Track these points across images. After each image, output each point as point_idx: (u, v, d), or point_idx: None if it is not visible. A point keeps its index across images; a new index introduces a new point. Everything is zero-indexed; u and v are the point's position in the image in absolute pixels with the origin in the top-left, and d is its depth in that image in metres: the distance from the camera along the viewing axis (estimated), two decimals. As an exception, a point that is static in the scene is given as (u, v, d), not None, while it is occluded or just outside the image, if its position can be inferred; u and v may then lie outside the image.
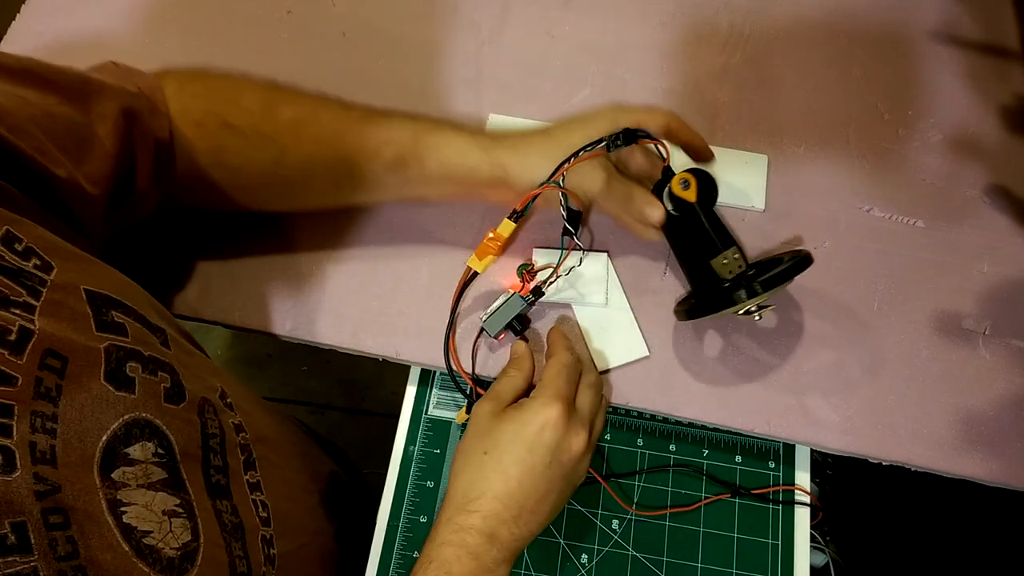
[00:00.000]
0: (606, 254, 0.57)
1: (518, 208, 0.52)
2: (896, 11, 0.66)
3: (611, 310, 0.56)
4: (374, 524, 0.56)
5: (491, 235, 0.53)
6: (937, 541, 1.11)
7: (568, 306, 0.56)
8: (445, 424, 0.59)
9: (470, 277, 0.56)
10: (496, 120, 0.62)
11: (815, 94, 0.63)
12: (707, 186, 0.51)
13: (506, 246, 0.57)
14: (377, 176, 0.52)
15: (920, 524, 1.11)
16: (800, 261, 0.48)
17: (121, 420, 0.34)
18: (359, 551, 0.56)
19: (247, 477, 0.44)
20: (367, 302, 0.57)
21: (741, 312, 0.49)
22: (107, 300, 0.37)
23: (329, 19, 0.67)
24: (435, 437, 0.58)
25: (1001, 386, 0.54)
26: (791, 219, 0.58)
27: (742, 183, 0.59)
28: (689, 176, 0.50)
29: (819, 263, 0.57)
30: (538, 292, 0.53)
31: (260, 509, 0.45)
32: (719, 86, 0.64)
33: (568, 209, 0.52)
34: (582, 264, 0.56)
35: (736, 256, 0.50)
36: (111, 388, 0.35)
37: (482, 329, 0.54)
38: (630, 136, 0.51)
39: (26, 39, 0.67)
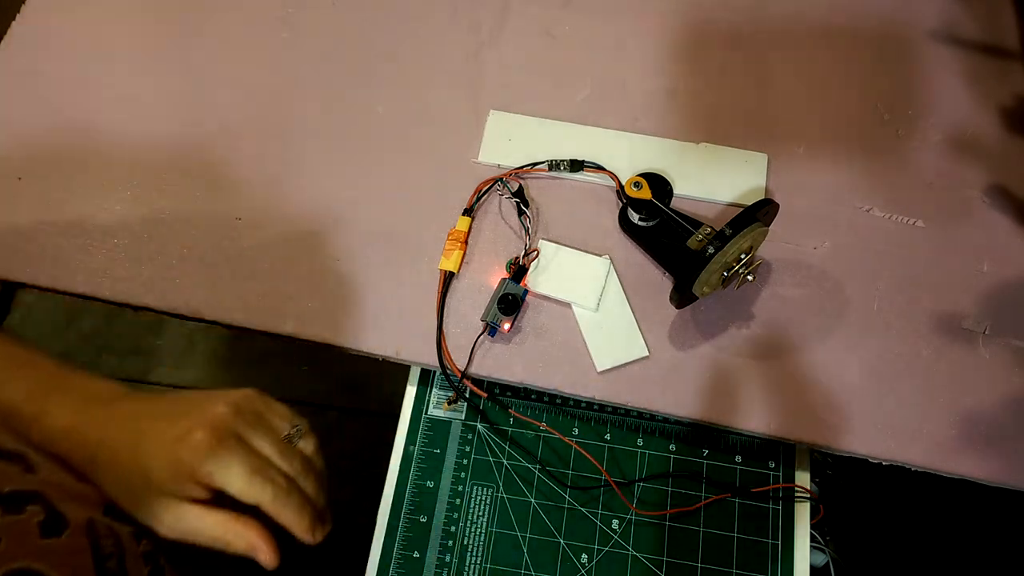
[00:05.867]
0: (608, 259, 0.57)
1: (467, 205, 0.59)
2: (896, 11, 0.66)
3: (611, 310, 0.56)
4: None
5: (449, 234, 0.58)
6: (937, 541, 1.11)
7: (568, 305, 0.56)
8: (445, 424, 0.59)
9: (447, 278, 0.57)
10: (496, 117, 0.62)
11: (815, 94, 0.63)
12: (659, 182, 0.58)
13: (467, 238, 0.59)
14: None
15: (920, 524, 1.11)
16: (760, 201, 0.51)
17: None
18: (359, 551, 0.56)
19: None
20: (367, 302, 0.57)
21: (729, 275, 0.50)
22: None
23: (328, 19, 0.67)
24: (435, 437, 0.58)
25: (1001, 386, 0.54)
26: (791, 219, 0.58)
27: (742, 182, 0.59)
28: (638, 178, 0.57)
29: (819, 263, 0.57)
30: (521, 271, 0.56)
31: None
32: (719, 86, 0.64)
33: (514, 194, 0.59)
34: (580, 263, 0.56)
35: (708, 231, 0.54)
36: None
37: (486, 326, 0.55)
38: (577, 164, 0.59)
39: (26, 39, 0.67)
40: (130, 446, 0.41)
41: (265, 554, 0.41)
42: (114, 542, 0.39)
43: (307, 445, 0.45)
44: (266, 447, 0.42)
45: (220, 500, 0.41)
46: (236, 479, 0.40)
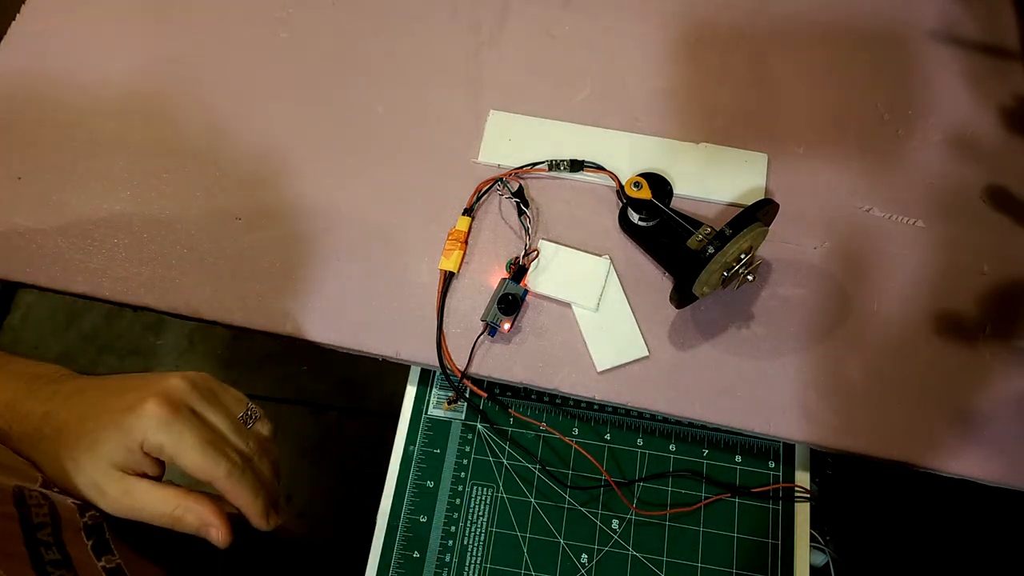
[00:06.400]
0: (608, 259, 0.57)
1: (467, 205, 0.59)
2: (896, 11, 0.66)
3: (610, 310, 0.56)
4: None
5: (449, 234, 0.58)
6: (937, 541, 1.10)
7: (568, 305, 0.56)
8: (445, 424, 0.59)
9: (447, 278, 0.57)
10: (496, 117, 0.62)
11: (815, 94, 0.63)
12: (659, 182, 0.58)
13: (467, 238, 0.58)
14: None
15: (920, 524, 1.11)
16: (760, 201, 0.51)
17: None
18: (359, 551, 0.56)
19: (102, 563, 0.40)
20: (367, 302, 0.57)
21: (729, 275, 0.50)
22: None
23: (328, 19, 0.67)
24: (435, 437, 0.58)
25: (1001, 386, 0.54)
26: (791, 219, 0.58)
27: (742, 182, 0.59)
28: (638, 178, 0.57)
29: (819, 263, 0.57)
30: (521, 271, 0.56)
31: None
32: (719, 86, 0.64)
33: (514, 194, 0.59)
34: (580, 263, 0.56)
35: (708, 231, 0.53)
36: None
37: (486, 326, 0.55)
38: (577, 164, 0.59)
39: (26, 39, 0.67)
40: (77, 417, 0.39)
41: (218, 531, 0.38)
42: (48, 511, 0.37)
43: (263, 428, 0.43)
44: (221, 423, 0.40)
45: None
46: (189, 451, 0.38)
